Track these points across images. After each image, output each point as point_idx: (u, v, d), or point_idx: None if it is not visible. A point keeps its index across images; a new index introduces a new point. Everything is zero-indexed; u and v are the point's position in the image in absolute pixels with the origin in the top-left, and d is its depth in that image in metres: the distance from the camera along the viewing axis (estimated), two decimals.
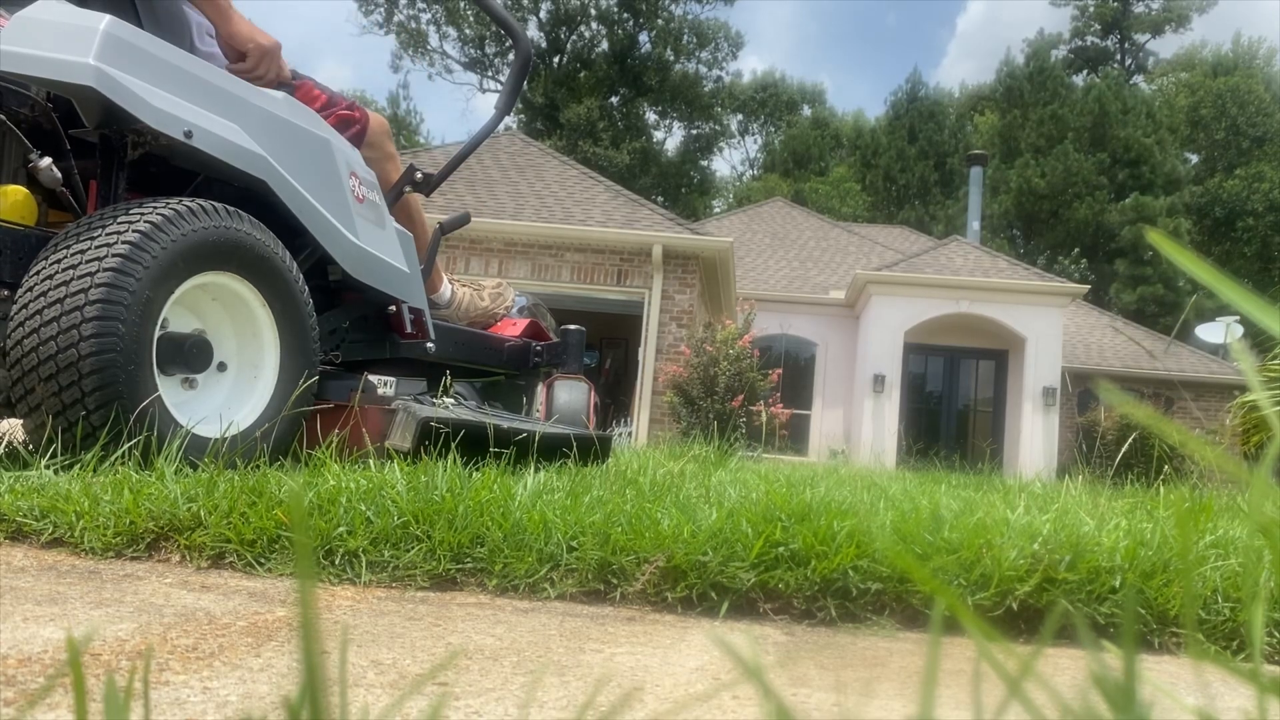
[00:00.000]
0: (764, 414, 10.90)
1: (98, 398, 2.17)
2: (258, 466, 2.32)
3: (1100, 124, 38.11)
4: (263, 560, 1.72)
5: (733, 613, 1.64)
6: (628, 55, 44.42)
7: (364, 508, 1.80)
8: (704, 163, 49.45)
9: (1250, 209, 38.82)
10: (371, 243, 3.08)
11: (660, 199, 39.40)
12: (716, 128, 48.85)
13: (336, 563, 1.71)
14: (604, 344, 18.09)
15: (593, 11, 45.06)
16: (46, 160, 2.38)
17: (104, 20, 2.29)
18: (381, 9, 44.55)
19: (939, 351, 18.70)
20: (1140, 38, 47.18)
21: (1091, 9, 46.05)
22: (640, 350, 13.72)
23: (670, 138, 49.11)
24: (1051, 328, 17.05)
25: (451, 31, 45.78)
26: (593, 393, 4.42)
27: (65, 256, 2.19)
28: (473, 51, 46.28)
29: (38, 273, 2.21)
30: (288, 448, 2.67)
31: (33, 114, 2.43)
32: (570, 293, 13.82)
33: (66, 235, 2.26)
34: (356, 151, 3.16)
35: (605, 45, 45.13)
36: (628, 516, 1.83)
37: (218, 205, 2.46)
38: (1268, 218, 38.50)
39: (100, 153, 2.51)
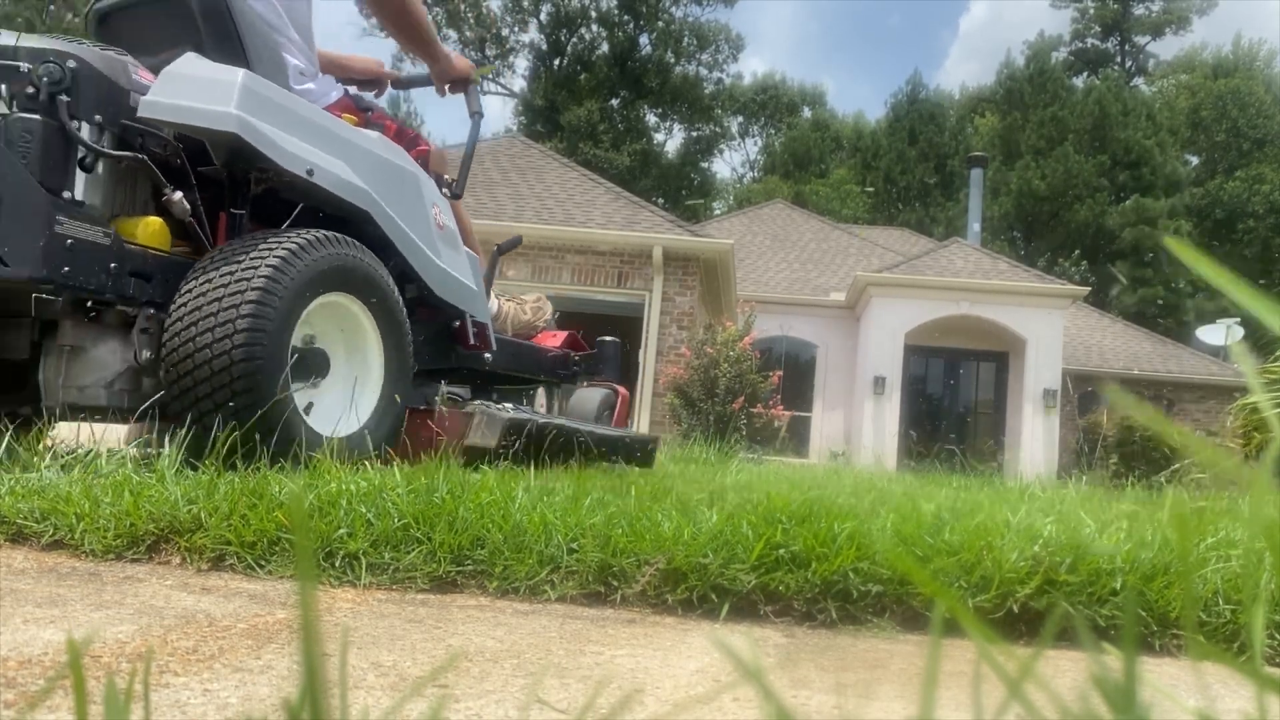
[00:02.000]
0: (765, 416, 10.91)
1: (246, 399, 2.47)
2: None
3: (1101, 126, 38.12)
4: (263, 562, 1.72)
5: (733, 615, 1.64)
6: (628, 57, 44.44)
7: (364, 510, 1.80)
8: (704, 165, 49.49)
9: (1251, 211, 38.82)
10: (450, 263, 3.49)
11: (661, 201, 39.40)
12: (717, 130, 48.88)
13: (337, 565, 1.71)
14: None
15: (593, 14, 45.11)
16: (179, 194, 2.73)
17: (239, 74, 2.67)
18: None
19: (939, 353, 18.69)
20: (1141, 39, 47.21)
21: (1092, 11, 46.07)
22: (641, 352, 13.72)
23: (671, 140, 49.14)
24: (1052, 330, 17.05)
25: (452, 34, 45.82)
26: (623, 399, 4.76)
27: (215, 278, 2.54)
28: (473, 54, 46.31)
29: (189, 291, 2.54)
30: (393, 444, 3.00)
31: (164, 152, 2.76)
32: (571, 294, 13.82)
33: (213, 260, 2.61)
34: (432, 181, 3.51)
35: (606, 47, 45.16)
36: (628, 518, 1.83)
37: (337, 235, 2.83)
38: (1268, 219, 38.50)
39: (227, 188, 2.91)
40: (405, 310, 3.09)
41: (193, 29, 2.88)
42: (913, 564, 1.55)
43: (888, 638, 1.59)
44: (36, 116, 2.47)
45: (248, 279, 2.52)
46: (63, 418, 2.62)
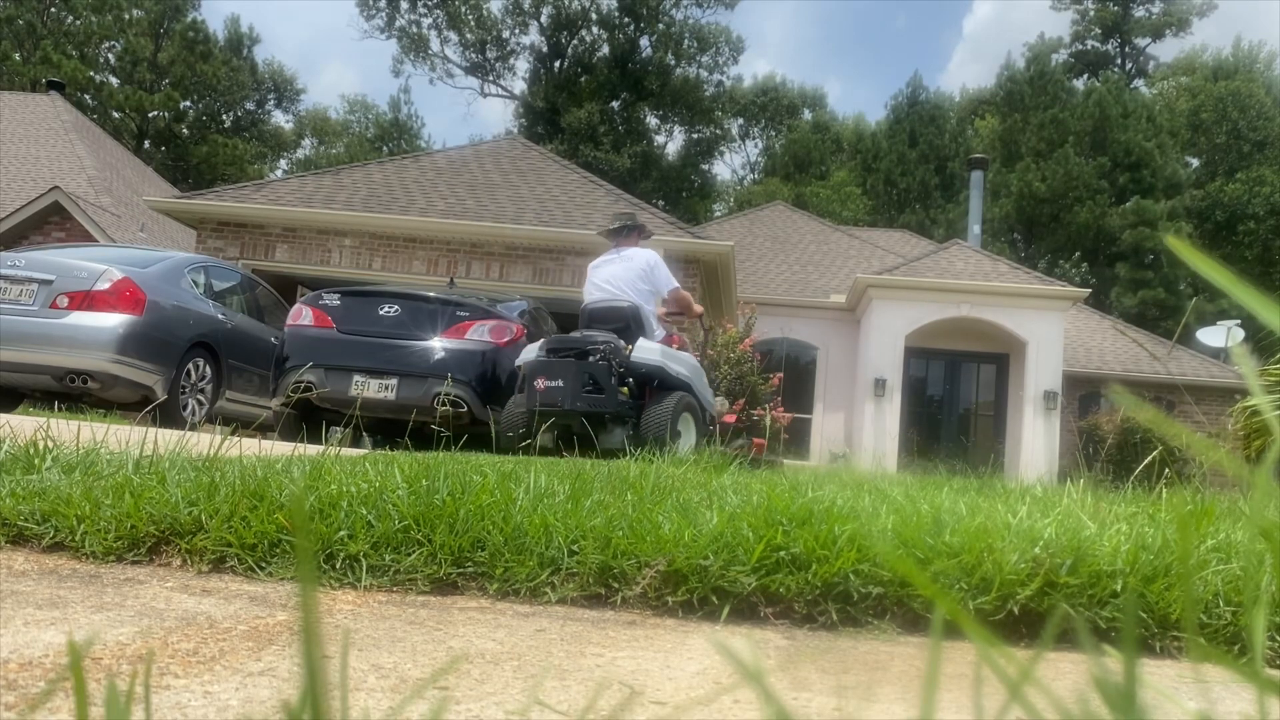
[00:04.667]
0: (684, 400, 11.13)
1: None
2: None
3: (1101, 128, 38.13)
4: (264, 564, 1.72)
5: (734, 617, 1.64)
6: (629, 60, 44.46)
7: (365, 512, 1.79)
8: (705, 167, 49.50)
9: (1251, 213, 38.83)
10: (706, 395, 6.83)
11: (661, 203, 39.39)
12: (717, 132, 48.88)
13: (338, 567, 1.71)
14: None
15: (594, 16, 45.12)
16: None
17: (657, 344, 6.34)
18: (383, 14, 44.63)
19: (940, 355, 18.69)
20: (1141, 41, 47.22)
21: (1092, 13, 46.09)
22: None
23: (671, 142, 49.15)
24: (1052, 331, 17.04)
25: (453, 36, 45.86)
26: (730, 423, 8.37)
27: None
28: (474, 56, 46.35)
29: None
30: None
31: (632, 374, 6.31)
32: (572, 296, 13.80)
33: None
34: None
35: (606, 50, 45.17)
36: (629, 520, 1.83)
37: (683, 392, 6.43)
38: (1268, 221, 38.50)
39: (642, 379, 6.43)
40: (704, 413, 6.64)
41: (626, 319, 6.48)
42: (913, 567, 1.54)
43: (888, 640, 1.58)
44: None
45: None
46: None
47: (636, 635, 1.49)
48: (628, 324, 6.39)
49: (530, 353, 6.37)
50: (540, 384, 6.05)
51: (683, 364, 6.37)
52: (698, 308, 7.27)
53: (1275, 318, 0.40)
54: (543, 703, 1.08)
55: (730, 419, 8.09)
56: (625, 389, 6.06)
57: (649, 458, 4.26)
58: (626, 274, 6.70)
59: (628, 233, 7.07)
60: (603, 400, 5.96)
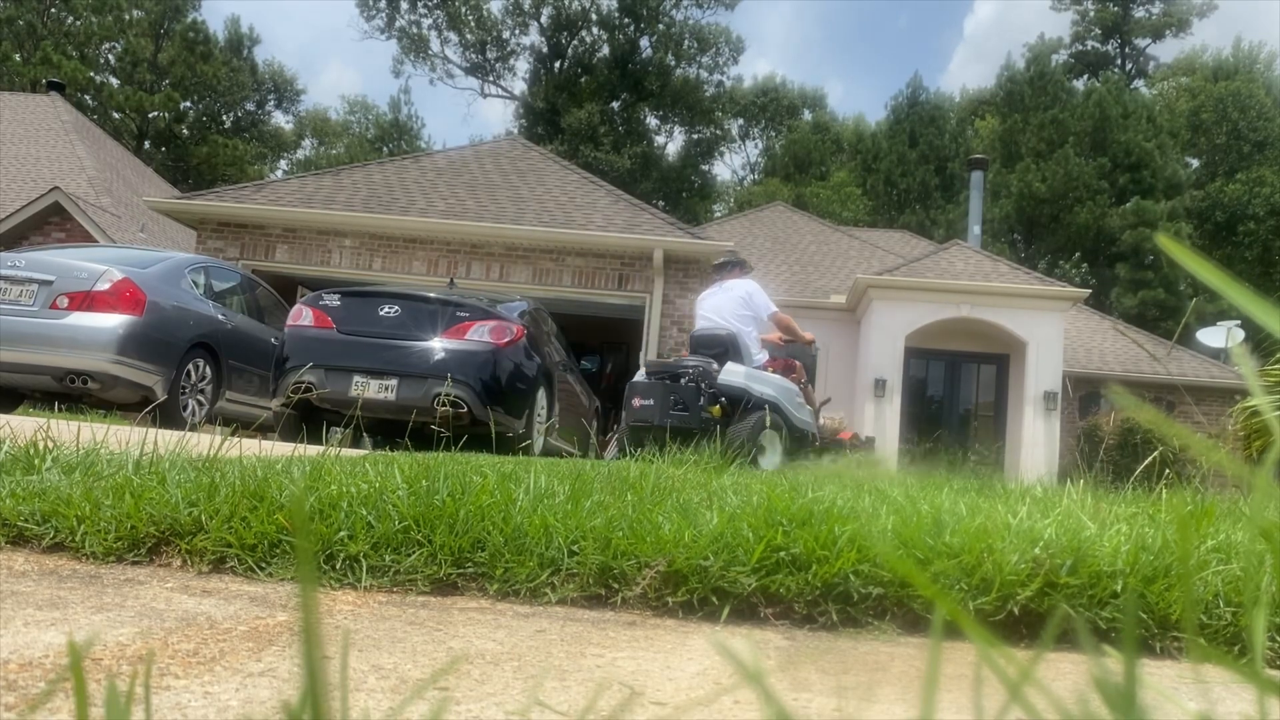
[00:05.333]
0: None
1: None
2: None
3: (1101, 128, 38.11)
4: (264, 565, 1.72)
5: (734, 617, 1.64)
6: (629, 60, 44.45)
7: (365, 512, 1.79)
8: (705, 167, 49.49)
9: (1251, 213, 38.81)
10: (799, 414, 7.28)
11: (661, 204, 39.38)
12: (717, 132, 48.88)
13: (337, 567, 1.71)
14: (605, 348, 18.10)
15: (594, 16, 45.11)
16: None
17: (744, 368, 7.03)
18: (383, 14, 44.63)
19: (940, 355, 18.69)
20: (1141, 42, 47.22)
21: (1092, 13, 46.08)
22: (641, 354, 13.72)
23: (671, 142, 49.13)
24: (1053, 332, 17.04)
25: (453, 36, 45.86)
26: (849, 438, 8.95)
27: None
28: (474, 56, 46.35)
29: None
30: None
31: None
32: (571, 297, 13.82)
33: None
34: (796, 386, 7.55)
35: (606, 50, 45.17)
36: (629, 521, 1.83)
37: (772, 411, 7.00)
38: (1268, 222, 38.49)
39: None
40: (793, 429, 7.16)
41: (724, 345, 7.14)
42: (913, 567, 1.54)
43: (888, 640, 1.58)
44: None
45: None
46: None
47: (637, 636, 1.49)
48: (726, 349, 7.21)
49: (638, 375, 7.50)
50: (637, 402, 7.08)
51: (769, 385, 7.10)
52: (806, 334, 8.15)
53: (1267, 317, 0.40)
54: (543, 703, 1.08)
55: (845, 436, 8.68)
56: (716, 408, 6.88)
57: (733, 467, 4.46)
58: (728, 303, 7.55)
59: (730, 268, 7.99)
60: (687, 417, 6.84)
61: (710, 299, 7.73)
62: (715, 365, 6.99)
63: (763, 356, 7.48)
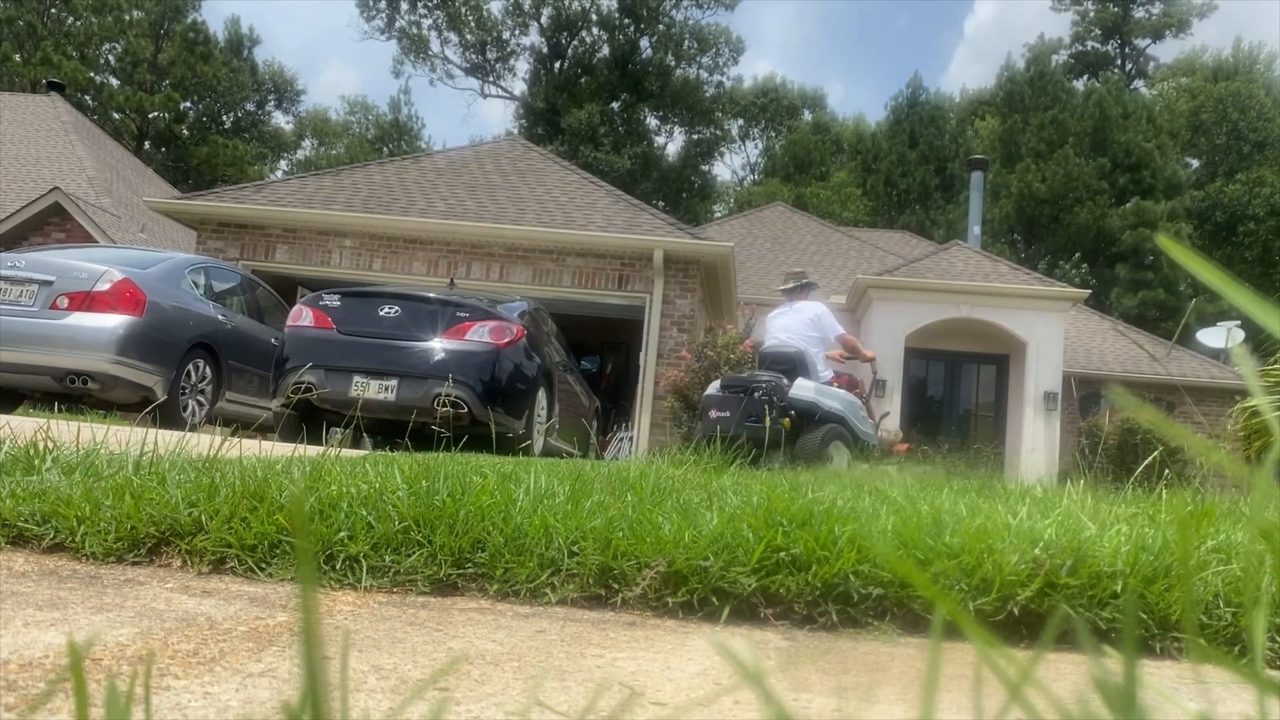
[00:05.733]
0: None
1: None
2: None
3: (1101, 129, 38.11)
4: (264, 565, 1.72)
5: (734, 618, 1.64)
6: (629, 60, 44.45)
7: (365, 513, 1.79)
8: (705, 168, 49.48)
9: (1251, 214, 38.81)
10: (861, 425, 7.74)
11: (661, 204, 39.37)
12: (717, 133, 48.87)
13: (338, 568, 1.71)
14: (605, 349, 18.09)
15: (594, 17, 45.11)
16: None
17: (813, 384, 7.52)
18: (383, 14, 44.63)
19: (940, 356, 18.69)
20: (1141, 42, 47.21)
21: (1092, 14, 46.08)
22: (641, 355, 13.72)
23: (671, 143, 49.12)
24: (1053, 332, 17.04)
25: (453, 37, 45.86)
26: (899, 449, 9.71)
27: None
28: (474, 57, 46.35)
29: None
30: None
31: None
32: (571, 297, 13.82)
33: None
34: (859, 400, 7.99)
35: (606, 50, 45.16)
36: (629, 521, 1.83)
37: (835, 425, 7.58)
38: (1268, 222, 38.49)
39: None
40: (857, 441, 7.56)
41: (792, 361, 7.61)
42: (913, 568, 1.54)
43: (888, 641, 1.58)
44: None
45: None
46: None
47: (636, 636, 1.49)
48: (794, 365, 7.75)
49: (711, 388, 8.11)
50: (714, 414, 7.68)
51: (836, 400, 7.65)
52: (868, 353, 8.74)
53: (1267, 317, 0.40)
54: (543, 703, 1.08)
55: (902, 448, 9.51)
56: (787, 420, 7.37)
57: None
58: (798, 324, 8.11)
59: (800, 290, 8.57)
60: (760, 428, 7.25)
61: (781, 318, 8.30)
62: (785, 380, 7.52)
63: (829, 373, 8.03)
